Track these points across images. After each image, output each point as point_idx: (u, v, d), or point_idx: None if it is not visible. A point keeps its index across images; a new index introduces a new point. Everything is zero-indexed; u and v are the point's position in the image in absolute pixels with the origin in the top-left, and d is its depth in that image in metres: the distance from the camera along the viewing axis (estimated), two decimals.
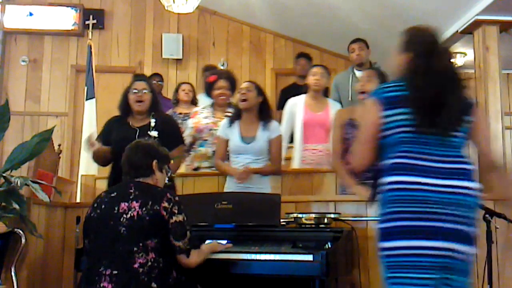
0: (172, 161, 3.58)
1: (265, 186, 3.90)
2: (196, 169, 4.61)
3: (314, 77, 4.66)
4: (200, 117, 4.65)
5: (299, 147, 4.64)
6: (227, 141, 4.00)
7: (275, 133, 3.95)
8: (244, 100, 3.94)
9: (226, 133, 4.02)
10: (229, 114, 4.34)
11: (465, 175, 2.29)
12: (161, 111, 4.02)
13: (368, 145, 2.39)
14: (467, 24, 5.55)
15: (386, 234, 2.26)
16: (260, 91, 4.01)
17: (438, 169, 2.26)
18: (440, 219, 2.20)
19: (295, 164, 4.62)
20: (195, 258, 2.68)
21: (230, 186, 3.93)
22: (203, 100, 5.31)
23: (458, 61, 7.66)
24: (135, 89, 3.82)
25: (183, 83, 6.10)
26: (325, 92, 4.84)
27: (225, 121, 4.12)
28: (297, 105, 4.70)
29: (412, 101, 2.30)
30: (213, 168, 4.36)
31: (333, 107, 4.69)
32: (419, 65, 2.35)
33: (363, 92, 3.64)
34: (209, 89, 4.76)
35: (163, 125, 3.82)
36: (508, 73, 8.20)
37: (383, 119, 2.34)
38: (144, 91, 3.81)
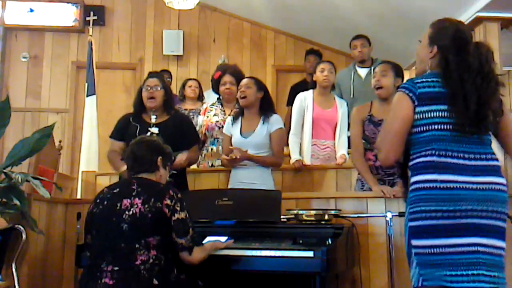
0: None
1: (268, 182, 3.89)
2: (211, 167, 4.61)
3: (323, 74, 4.65)
4: (210, 114, 4.66)
5: (308, 142, 4.62)
6: (231, 138, 4.01)
7: (275, 126, 3.91)
8: (243, 97, 3.93)
9: (229, 131, 4.03)
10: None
11: (496, 171, 2.31)
12: (174, 107, 4.02)
13: (398, 140, 2.36)
14: (468, 21, 5.54)
15: (419, 233, 2.26)
16: (260, 87, 3.99)
17: (473, 167, 2.27)
18: (476, 216, 2.22)
19: (304, 159, 4.59)
20: (197, 255, 2.68)
21: (233, 181, 3.93)
22: (212, 97, 5.30)
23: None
24: (148, 85, 3.85)
25: (190, 79, 6.09)
26: (331, 88, 4.83)
27: (229, 118, 4.13)
28: (306, 100, 4.68)
29: (452, 98, 2.27)
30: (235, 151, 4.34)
31: (340, 104, 4.71)
32: (452, 60, 2.32)
33: (379, 87, 3.63)
34: (216, 86, 4.77)
35: (180, 124, 3.85)
36: (509, 70, 8.15)
37: (415, 114, 2.32)
38: (157, 88, 3.83)
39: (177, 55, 7.90)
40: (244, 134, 3.92)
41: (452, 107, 2.27)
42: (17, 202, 3.13)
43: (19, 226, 3.27)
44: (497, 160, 2.34)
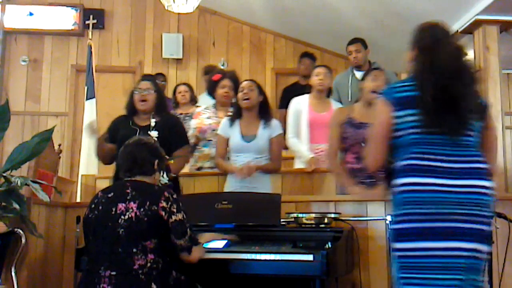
0: (172, 161, 3.60)
1: (266, 185, 3.90)
2: (199, 169, 4.62)
3: (318, 77, 4.63)
4: (203, 117, 4.66)
5: (307, 147, 4.61)
6: (227, 140, 4.00)
7: (276, 132, 3.95)
8: (246, 99, 3.93)
9: (226, 132, 4.02)
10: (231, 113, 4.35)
11: (479, 174, 2.29)
12: (167, 111, 4.03)
13: (380, 145, 2.40)
14: (467, 24, 5.55)
15: (400, 235, 2.28)
16: (261, 90, 4.01)
17: (451, 170, 2.26)
18: (456, 220, 2.22)
19: (303, 164, 4.60)
20: (196, 254, 2.68)
21: (231, 185, 3.92)
22: (205, 100, 5.30)
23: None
24: (140, 88, 3.85)
25: (179, 84, 6.10)
26: (328, 93, 4.82)
27: (225, 120, 4.11)
28: (301, 104, 4.66)
29: (420, 101, 2.29)
30: (215, 169, 4.35)
31: (336, 107, 4.69)
32: (422, 62, 2.35)
33: (374, 92, 3.66)
34: (212, 88, 4.76)
35: (169, 125, 3.83)
36: (508, 73, 8.19)
37: (394, 119, 2.35)
38: (148, 91, 3.82)
39: (177, 59, 7.89)
40: (245, 138, 3.93)
41: (421, 110, 2.30)
42: (17, 206, 3.13)
43: (19, 230, 3.27)
44: (482, 162, 2.33)
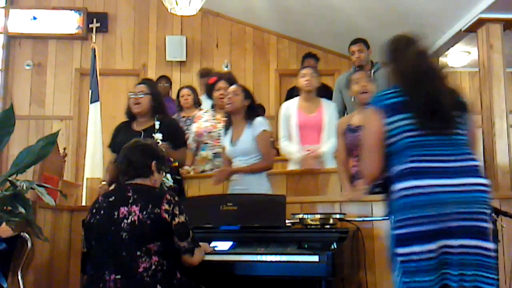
0: (177, 163, 3.60)
1: (263, 186, 3.88)
2: (201, 172, 4.64)
3: (304, 79, 4.61)
4: (201, 121, 4.74)
5: (298, 149, 4.60)
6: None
7: (258, 129, 3.89)
8: (229, 103, 3.94)
9: (223, 141, 4.08)
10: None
11: (475, 171, 2.31)
12: (165, 113, 4.01)
13: (376, 155, 2.40)
14: (470, 23, 5.54)
15: (403, 240, 2.26)
16: (248, 95, 3.99)
17: (449, 169, 2.28)
18: (460, 218, 2.23)
19: (294, 167, 4.62)
20: (198, 256, 2.70)
21: (229, 189, 3.96)
22: (206, 102, 5.33)
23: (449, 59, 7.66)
24: (132, 92, 3.88)
25: (181, 88, 6.09)
26: (319, 92, 4.80)
27: (223, 129, 4.16)
28: (290, 108, 4.67)
29: (410, 105, 2.33)
30: (215, 170, 4.39)
31: (326, 107, 4.66)
32: (393, 72, 2.45)
33: (365, 92, 3.72)
34: (209, 91, 4.79)
35: (166, 128, 3.81)
36: None
37: (386, 126, 2.36)
38: (141, 94, 3.84)
39: (180, 61, 7.92)
40: (232, 143, 3.96)
41: (413, 113, 2.33)
42: (22, 210, 3.13)
43: (25, 234, 3.28)
44: (476, 160, 2.36)
